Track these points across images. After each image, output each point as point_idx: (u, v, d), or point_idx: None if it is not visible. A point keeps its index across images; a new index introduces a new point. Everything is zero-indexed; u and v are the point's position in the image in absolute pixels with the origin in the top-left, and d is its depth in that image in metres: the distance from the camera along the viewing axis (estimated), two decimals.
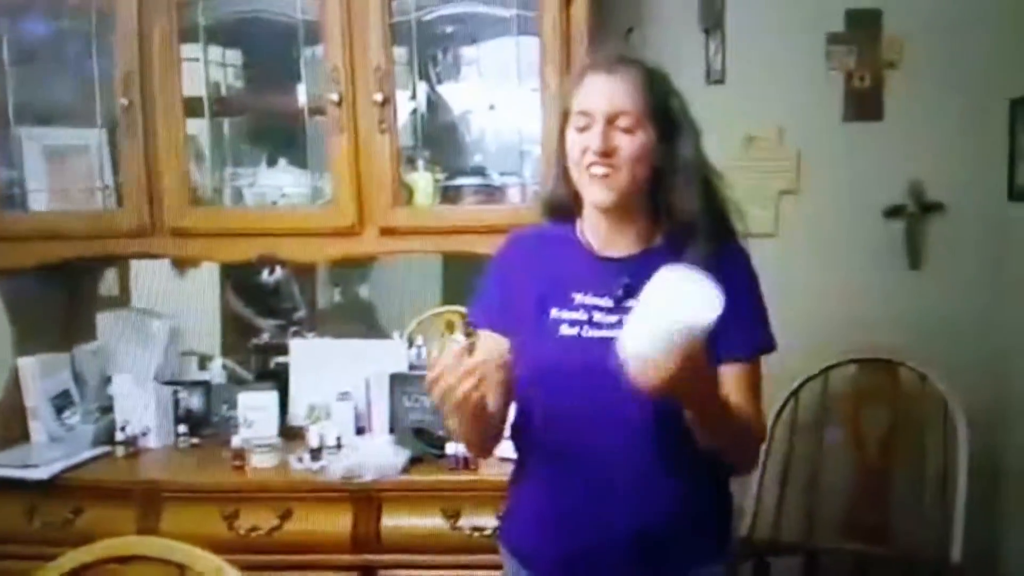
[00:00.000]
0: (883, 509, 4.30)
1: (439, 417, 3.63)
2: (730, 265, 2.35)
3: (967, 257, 4.44)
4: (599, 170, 2.36)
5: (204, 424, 4.09)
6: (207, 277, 4.54)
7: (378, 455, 3.63)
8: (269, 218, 3.88)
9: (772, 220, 4.45)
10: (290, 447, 3.81)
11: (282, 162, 3.99)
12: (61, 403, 3.99)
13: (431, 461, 3.67)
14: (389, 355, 4.09)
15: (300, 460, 3.69)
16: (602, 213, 2.46)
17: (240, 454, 3.70)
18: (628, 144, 2.36)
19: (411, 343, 4.31)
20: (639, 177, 2.39)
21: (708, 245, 2.38)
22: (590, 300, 2.46)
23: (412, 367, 4.10)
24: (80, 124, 4.02)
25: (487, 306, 2.63)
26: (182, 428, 4.03)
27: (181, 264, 4.44)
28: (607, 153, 2.35)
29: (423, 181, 3.81)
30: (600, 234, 2.51)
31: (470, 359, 2.19)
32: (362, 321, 4.64)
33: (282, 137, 4.06)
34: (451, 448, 3.58)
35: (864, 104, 4.43)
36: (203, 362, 4.38)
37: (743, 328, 2.26)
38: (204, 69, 3.95)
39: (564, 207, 2.58)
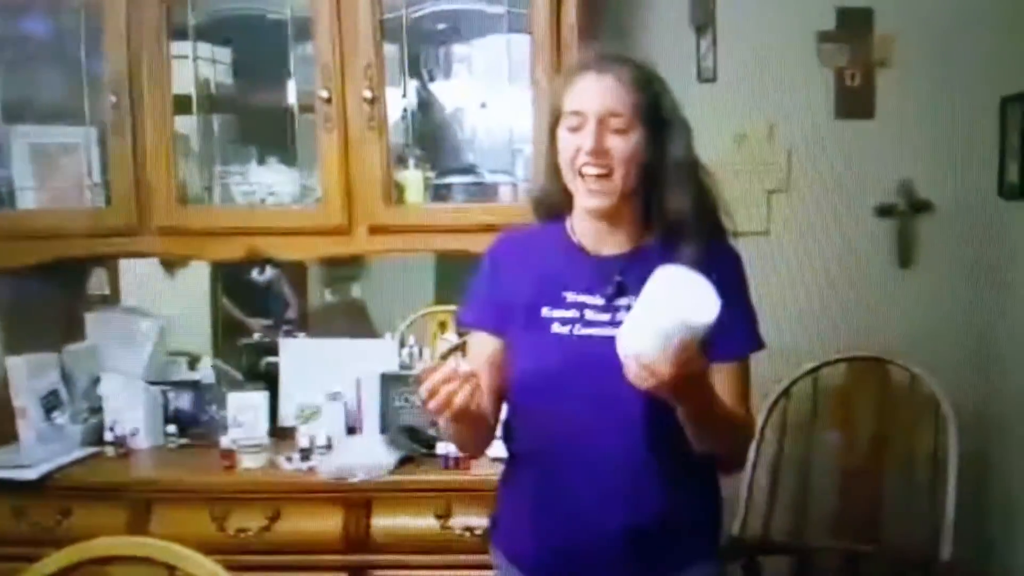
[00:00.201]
0: (873, 508, 4.29)
1: (429, 417, 3.64)
2: (721, 265, 2.35)
3: (958, 256, 4.45)
4: (592, 170, 2.36)
5: (193, 424, 4.07)
6: (197, 277, 4.52)
7: (369, 455, 3.63)
8: (258, 216, 3.88)
9: (763, 218, 4.45)
10: (280, 447, 3.81)
11: (272, 160, 3.99)
12: (50, 403, 3.97)
13: (422, 461, 3.67)
14: (380, 355, 4.08)
15: (290, 460, 3.68)
16: (593, 216, 2.46)
17: (230, 454, 3.69)
18: (621, 145, 2.36)
19: (403, 343, 4.31)
20: (632, 177, 2.39)
21: (699, 244, 2.38)
22: (582, 299, 2.46)
23: (404, 367, 4.10)
24: (69, 122, 4.01)
25: (478, 306, 2.62)
26: (171, 428, 4.02)
27: (171, 263, 4.43)
28: (600, 154, 2.35)
29: (414, 179, 3.81)
30: (591, 233, 2.51)
31: (462, 369, 2.19)
32: (354, 321, 4.62)
33: (272, 135, 4.04)
34: (442, 448, 3.57)
35: (855, 103, 4.43)
36: (192, 362, 4.37)
37: (734, 328, 2.25)
38: (194, 66, 3.93)
39: (555, 206, 2.58)
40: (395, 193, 3.76)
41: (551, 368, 2.42)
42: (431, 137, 4.06)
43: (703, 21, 4.44)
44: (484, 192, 3.89)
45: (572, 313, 2.45)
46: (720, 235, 2.48)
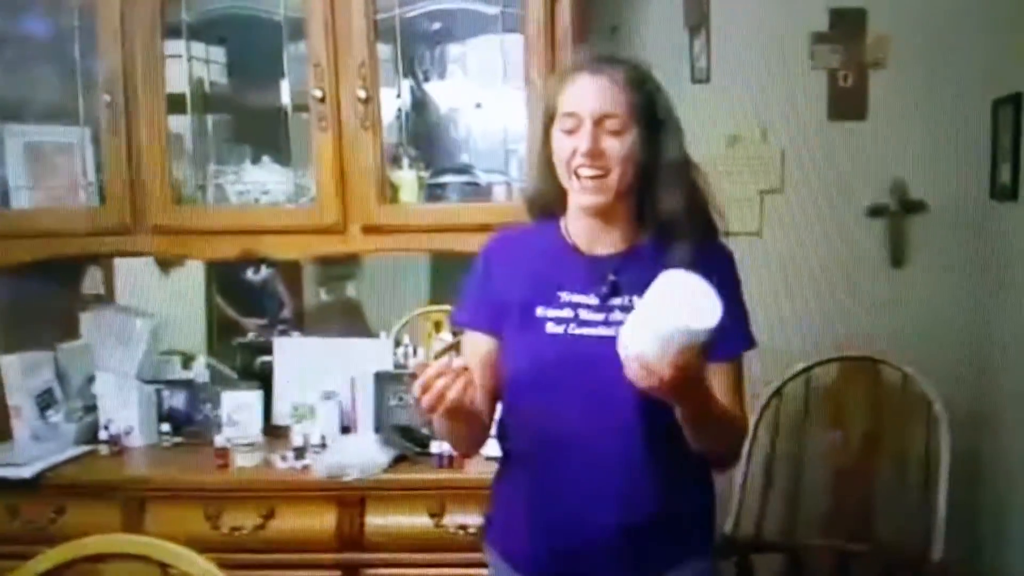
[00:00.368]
0: (865, 507, 4.31)
1: (423, 416, 3.65)
2: (714, 264, 2.35)
3: (950, 256, 4.47)
4: (589, 172, 2.37)
5: (188, 423, 4.07)
6: (192, 276, 4.52)
7: (362, 454, 3.63)
8: (252, 216, 3.87)
9: (756, 219, 4.47)
10: (274, 446, 3.81)
11: (266, 159, 3.98)
12: (44, 401, 3.97)
13: (416, 460, 3.66)
14: (374, 354, 4.08)
15: (284, 459, 3.68)
16: (588, 212, 2.47)
17: (224, 453, 3.69)
18: (617, 146, 2.37)
19: (398, 343, 4.31)
20: (628, 178, 2.40)
21: (691, 243, 2.39)
22: (576, 298, 2.46)
23: (398, 366, 4.10)
24: (64, 121, 4.00)
25: (472, 306, 2.62)
26: (165, 427, 4.02)
27: (165, 262, 4.43)
28: (596, 155, 2.36)
29: (408, 179, 3.81)
30: (585, 232, 2.51)
31: (455, 363, 2.20)
32: (349, 320, 4.62)
33: (266, 134, 4.03)
34: (435, 447, 3.57)
35: (848, 103, 4.45)
36: (186, 361, 4.37)
37: (728, 328, 2.26)
38: (188, 66, 3.93)
39: (548, 205, 2.58)
40: (389, 193, 3.76)
41: (545, 367, 2.43)
42: (425, 137, 4.07)
43: (697, 22, 4.45)
44: (478, 192, 3.89)
45: (566, 312, 2.45)
46: (712, 234, 2.49)
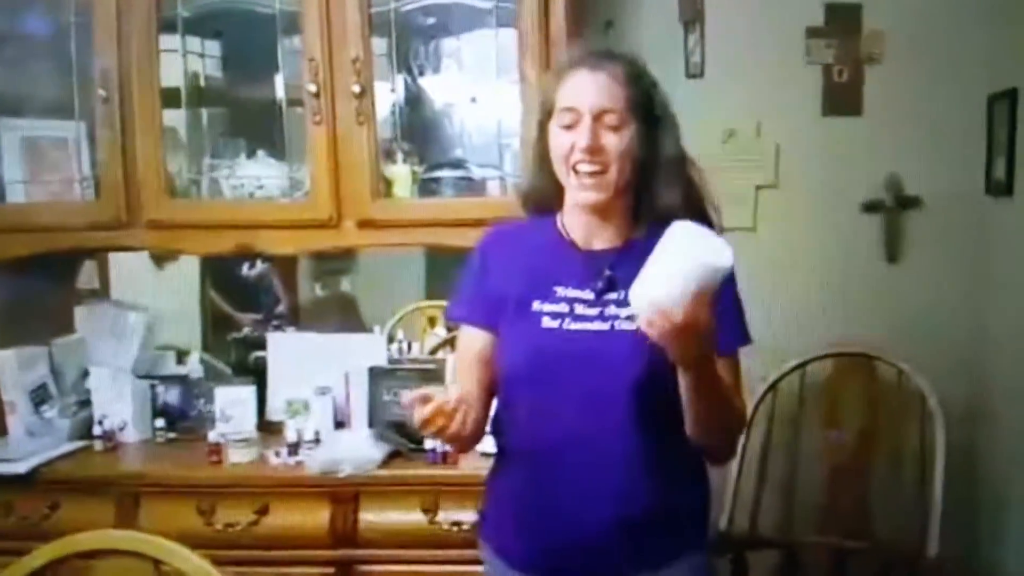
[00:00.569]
0: (861, 503, 4.31)
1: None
2: None
3: (945, 252, 4.46)
4: (587, 167, 2.37)
5: (182, 418, 4.07)
6: (187, 271, 4.52)
7: (356, 450, 3.63)
8: (247, 210, 3.88)
9: (750, 214, 4.47)
10: (268, 442, 3.81)
11: (260, 153, 3.98)
12: (39, 397, 3.97)
13: (410, 456, 3.66)
14: (368, 349, 4.07)
15: (278, 455, 3.68)
16: (585, 208, 2.47)
17: (217, 449, 3.69)
18: (615, 141, 2.37)
19: (392, 338, 4.31)
20: (626, 173, 2.41)
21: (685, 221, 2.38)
22: (572, 293, 2.47)
23: (393, 361, 4.10)
24: (59, 116, 4.01)
25: (468, 301, 2.63)
26: (160, 422, 4.02)
27: (160, 257, 4.44)
28: (596, 151, 2.36)
29: (401, 173, 3.81)
30: (581, 227, 2.52)
31: (451, 398, 2.21)
32: (344, 315, 4.63)
33: (261, 128, 4.04)
34: (430, 443, 3.56)
35: (843, 99, 4.44)
36: (181, 356, 4.36)
37: (726, 324, 2.25)
38: (183, 60, 3.94)
39: (543, 200, 2.59)
40: (383, 187, 3.76)
41: (541, 362, 2.43)
42: (419, 131, 4.07)
43: (691, 17, 4.44)
44: (472, 187, 3.90)
45: (562, 307, 2.45)
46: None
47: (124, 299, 4.42)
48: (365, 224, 3.74)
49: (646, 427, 2.37)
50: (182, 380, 4.16)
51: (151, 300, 4.40)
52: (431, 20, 3.99)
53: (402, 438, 3.70)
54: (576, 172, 2.39)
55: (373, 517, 3.53)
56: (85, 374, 4.09)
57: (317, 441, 3.74)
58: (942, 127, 4.38)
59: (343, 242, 3.83)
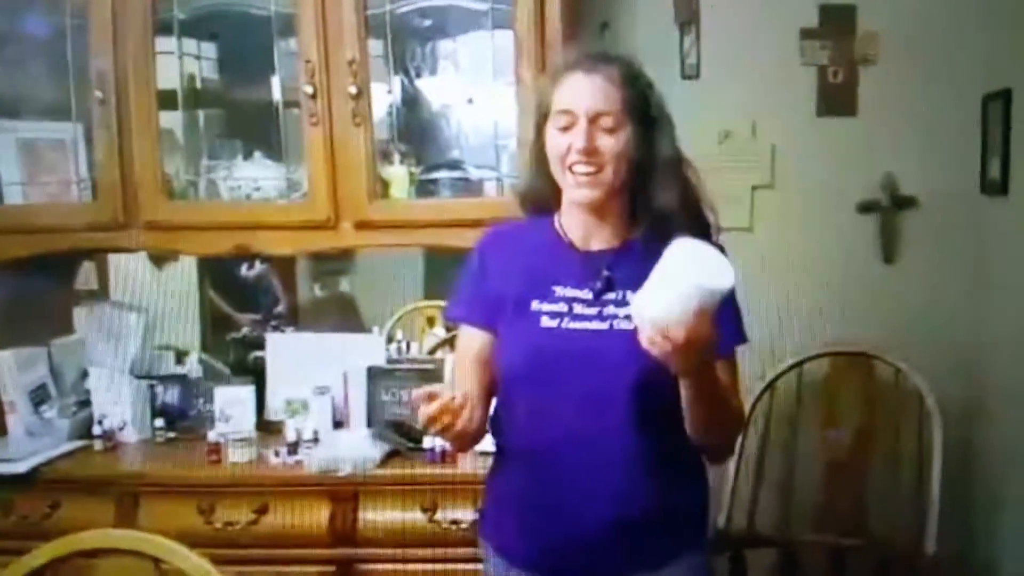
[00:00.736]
0: (858, 502, 4.32)
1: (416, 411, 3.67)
2: None
3: (941, 251, 4.47)
4: (583, 169, 2.39)
5: (181, 418, 4.08)
6: (185, 271, 4.54)
7: (355, 449, 3.64)
8: (244, 211, 3.89)
9: (746, 215, 4.47)
10: (267, 441, 3.82)
11: (257, 155, 3.99)
12: (38, 397, 3.98)
13: (408, 455, 3.67)
14: (367, 349, 4.09)
15: (277, 454, 3.69)
16: (582, 208, 2.48)
17: (216, 448, 3.70)
18: (611, 143, 2.39)
19: (391, 338, 4.32)
20: (622, 174, 2.42)
21: (685, 238, 2.39)
22: (570, 292, 2.48)
23: (391, 361, 4.11)
24: (56, 118, 4.01)
25: (467, 301, 2.64)
26: (159, 422, 4.02)
27: (159, 258, 4.45)
28: (591, 152, 2.37)
29: (398, 175, 3.82)
30: (579, 227, 2.53)
31: (457, 396, 2.22)
32: (343, 316, 4.64)
33: (257, 130, 4.05)
34: (428, 442, 3.58)
35: (838, 99, 4.45)
36: (179, 356, 4.37)
37: (723, 325, 2.26)
38: (179, 62, 3.95)
39: (541, 200, 2.60)
40: (380, 188, 3.77)
41: (540, 361, 2.45)
42: (416, 132, 4.08)
43: (687, 18, 4.45)
44: (469, 187, 3.91)
45: (561, 307, 2.47)
46: (705, 230, 2.48)
47: (123, 300, 4.43)
48: (362, 225, 3.75)
49: (645, 426, 2.38)
50: (181, 380, 4.17)
51: (150, 301, 4.41)
52: (427, 22, 3.99)
53: (401, 437, 3.71)
54: (572, 172, 2.41)
55: (372, 516, 3.54)
56: (84, 374, 4.10)
57: (316, 440, 3.75)
58: (937, 127, 4.39)
59: (340, 243, 3.84)
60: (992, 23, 4.26)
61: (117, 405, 3.97)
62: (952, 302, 4.46)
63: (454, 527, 3.47)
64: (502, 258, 2.61)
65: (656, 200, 2.45)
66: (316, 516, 3.54)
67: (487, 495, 2.73)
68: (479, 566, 2.72)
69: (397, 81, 4.03)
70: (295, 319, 4.60)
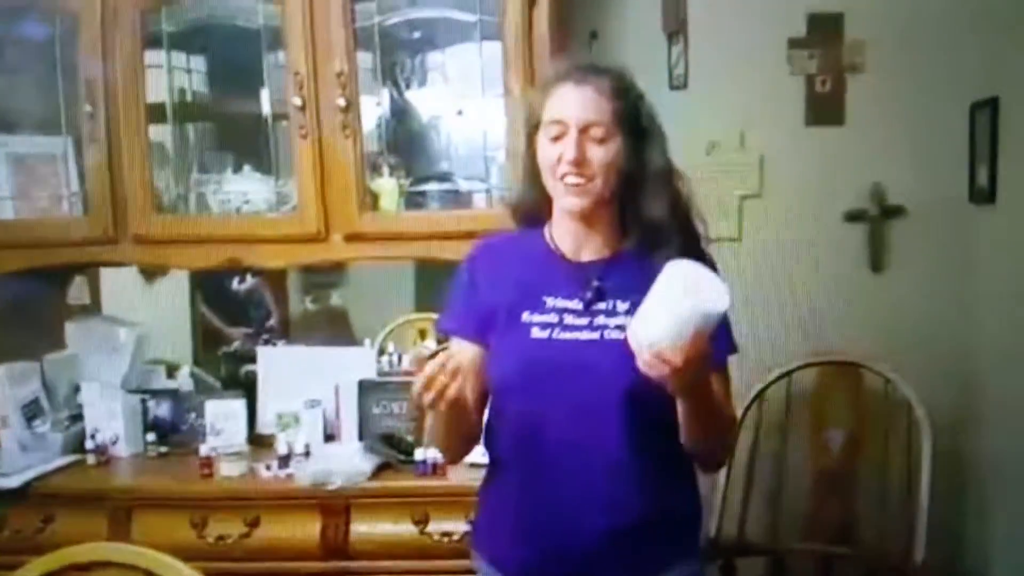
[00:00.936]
0: (848, 510, 4.33)
1: (408, 424, 3.68)
2: None
3: (929, 260, 4.48)
4: (573, 180, 2.39)
5: (173, 432, 4.07)
6: (177, 285, 4.53)
7: (347, 462, 3.64)
8: (234, 225, 3.89)
9: (735, 225, 4.48)
10: (259, 455, 3.81)
11: (247, 168, 3.99)
12: (31, 411, 3.97)
13: (400, 468, 3.67)
14: (358, 362, 4.08)
15: (268, 468, 3.69)
16: (573, 218, 2.49)
17: (208, 462, 3.70)
18: (601, 153, 2.39)
19: (383, 351, 4.32)
20: (612, 184, 2.42)
21: (676, 249, 2.39)
22: (561, 303, 2.48)
23: (383, 374, 4.11)
24: (46, 132, 4.02)
25: (458, 313, 2.64)
26: (151, 436, 4.02)
27: (150, 272, 4.44)
28: (581, 163, 2.38)
29: (388, 187, 3.82)
30: (570, 239, 2.53)
31: (451, 363, 2.22)
32: (335, 329, 4.64)
33: (247, 143, 4.06)
34: (420, 454, 3.58)
35: (826, 108, 4.46)
36: (171, 370, 4.37)
37: (716, 337, 2.27)
38: (168, 75, 3.95)
39: (532, 211, 2.60)
40: (370, 200, 3.77)
41: (532, 372, 2.44)
42: (405, 144, 4.07)
43: (675, 28, 4.46)
44: (458, 199, 3.91)
45: (551, 318, 2.47)
46: (695, 241, 2.50)
47: (115, 314, 4.42)
48: (352, 237, 3.75)
49: (638, 435, 2.38)
50: (173, 394, 4.16)
51: (142, 315, 4.40)
52: (416, 34, 4.00)
53: (392, 450, 3.71)
54: (563, 181, 2.42)
55: (364, 529, 3.54)
56: (77, 389, 4.09)
57: (307, 454, 3.76)
58: (925, 136, 4.40)
59: (331, 256, 3.84)
60: (980, 31, 4.27)
61: (109, 419, 3.96)
62: (941, 311, 4.47)
63: (445, 539, 3.47)
64: (492, 270, 2.61)
65: (646, 211, 2.45)
66: (308, 529, 3.54)
67: (480, 506, 2.72)
68: None
69: (386, 93, 4.03)
70: (287, 332, 4.60)
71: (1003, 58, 4.16)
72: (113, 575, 2.34)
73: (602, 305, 2.45)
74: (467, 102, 3.98)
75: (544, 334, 2.46)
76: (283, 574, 3.55)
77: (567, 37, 3.89)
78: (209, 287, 4.61)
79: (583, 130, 2.38)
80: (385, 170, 3.87)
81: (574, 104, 2.40)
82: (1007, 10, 4.12)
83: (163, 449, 4.01)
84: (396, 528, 3.52)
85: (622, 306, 2.41)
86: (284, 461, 3.68)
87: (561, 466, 2.42)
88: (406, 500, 3.54)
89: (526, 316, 2.48)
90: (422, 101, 4.11)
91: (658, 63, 4.48)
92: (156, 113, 3.89)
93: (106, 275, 4.51)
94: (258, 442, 3.95)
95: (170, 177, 3.99)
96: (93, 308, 4.52)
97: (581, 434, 2.40)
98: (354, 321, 4.65)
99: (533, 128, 2.49)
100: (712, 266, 2.45)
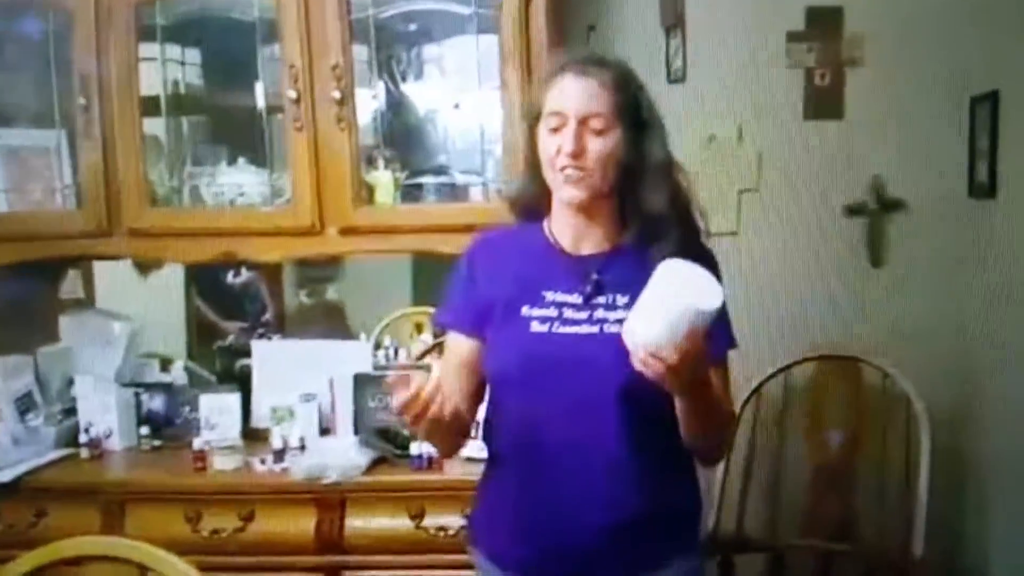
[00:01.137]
0: (846, 506, 4.32)
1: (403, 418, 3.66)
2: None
3: (928, 254, 4.47)
4: (572, 172, 2.38)
5: (167, 426, 4.06)
6: (172, 279, 4.52)
7: (342, 456, 3.63)
8: (228, 217, 3.88)
9: (733, 218, 4.47)
10: (253, 449, 3.80)
11: (241, 161, 3.98)
12: (24, 405, 3.96)
13: (395, 461, 3.66)
14: (353, 356, 4.07)
15: (263, 462, 3.68)
16: (572, 211, 2.49)
17: (202, 456, 3.68)
18: (600, 146, 2.38)
19: (379, 345, 4.31)
20: (610, 176, 2.42)
21: (675, 243, 2.39)
22: (560, 297, 2.48)
23: (378, 368, 4.09)
24: (40, 125, 4.01)
25: (456, 307, 2.64)
26: (145, 430, 4.00)
27: (144, 265, 4.42)
28: (579, 155, 2.37)
29: (383, 180, 3.82)
30: (569, 232, 2.53)
31: (429, 383, 2.20)
32: (331, 323, 4.63)
33: (241, 135, 4.05)
34: (415, 448, 3.57)
35: (825, 102, 4.45)
36: (165, 364, 4.36)
37: (714, 331, 2.26)
38: (162, 68, 3.94)
39: (532, 205, 2.60)
40: (365, 194, 3.77)
41: (531, 366, 2.44)
42: (401, 137, 4.08)
43: (673, 21, 4.45)
44: (454, 193, 3.90)
45: (551, 312, 2.47)
46: (695, 234, 2.49)
47: (109, 308, 4.40)
48: (348, 231, 3.74)
49: (637, 431, 2.38)
50: (166, 388, 4.16)
51: (136, 308, 4.38)
52: (412, 26, 4.00)
53: (387, 444, 3.70)
54: (562, 172, 2.41)
55: (359, 523, 3.53)
56: (70, 382, 4.08)
57: (302, 448, 3.75)
58: (924, 129, 4.39)
59: (326, 249, 3.83)
60: (979, 25, 4.26)
61: (103, 413, 3.95)
62: (940, 305, 4.46)
63: (441, 533, 3.46)
64: (491, 264, 2.61)
65: (646, 204, 2.44)
66: (303, 523, 3.53)
67: (478, 501, 2.72)
68: (466, 572, 2.72)
69: (382, 86, 4.02)
70: (282, 326, 4.59)
71: (1003, 52, 4.14)
72: (107, 569, 2.34)
73: (601, 299, 2.45)
74: (463, 95, 3.98)
75: (544, 328, 2.45)
76: (278, 568, 3.54)
77: (564, 31, 3.87)
78: (203, 280, 4.59)
79: (582, 121, 2.37)
80: (381, 163, 3.87)
81: (574, 95, 2.40)
82: (1007, 3, 4.10)
83: (157, 443, 3.99)
84: (392, 522, 3.51)
85: (622, 299, 2.40)
86: (279, 455, 3.67)
87: (561, 460, 2.42)
88: (402, 494, 3.53)
89: (525, 310, 2.48)
90: (418, 94, 4.10)
91: (656, 56, 4.47)
92: (150, 106, 3.89)
93: (100, 268, 4.49)
94: (253, 436, 3.94)
95: (164, 170, 4.00)
96: (87, 301, 4.50)
97: (581, 428, 2.40)
98: (350, 315, 4.64)
99: (533, 119, 2.48)
100: (711, 260, 2.46)
